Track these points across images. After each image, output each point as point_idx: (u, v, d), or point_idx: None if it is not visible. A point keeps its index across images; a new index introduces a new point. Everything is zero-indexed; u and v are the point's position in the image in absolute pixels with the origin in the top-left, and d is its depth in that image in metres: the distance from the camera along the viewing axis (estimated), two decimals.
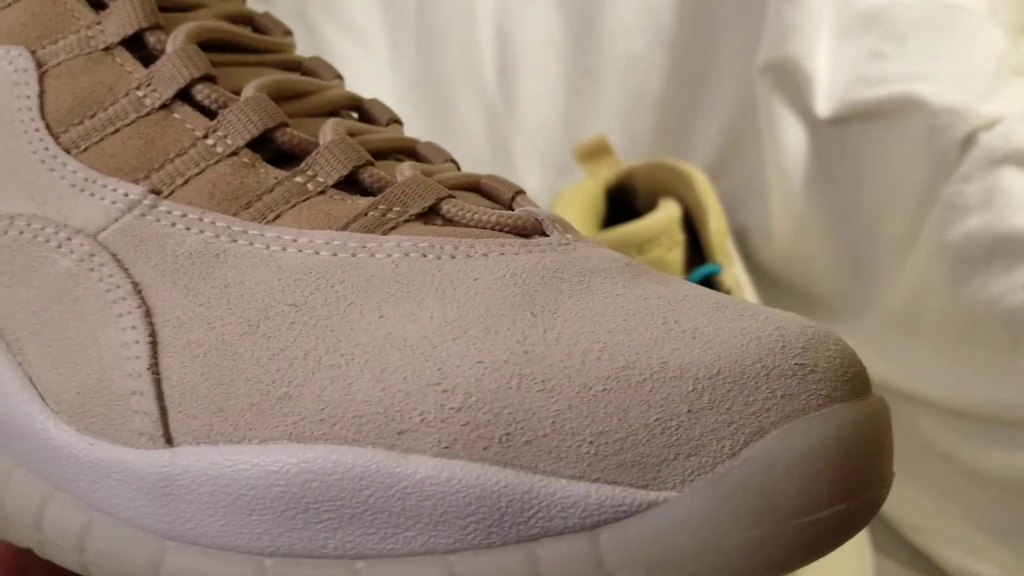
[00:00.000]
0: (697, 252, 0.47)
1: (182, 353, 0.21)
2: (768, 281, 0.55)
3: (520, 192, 0.24)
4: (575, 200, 0.51)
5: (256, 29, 0.29)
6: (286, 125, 0.24)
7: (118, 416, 0.22)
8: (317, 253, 0.22)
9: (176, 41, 0.25)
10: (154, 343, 0.22)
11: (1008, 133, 0.44)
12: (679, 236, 0.46)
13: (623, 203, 0.52)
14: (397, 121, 0.28)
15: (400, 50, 0.56)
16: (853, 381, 0.19)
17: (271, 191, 0.23)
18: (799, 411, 0.18)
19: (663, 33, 0.55)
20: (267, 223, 0.23)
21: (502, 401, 0.18)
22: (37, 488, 0.22)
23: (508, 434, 0.18)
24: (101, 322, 0.22)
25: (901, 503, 0.49)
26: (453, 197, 0.23)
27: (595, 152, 0.53)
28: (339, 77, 0.29)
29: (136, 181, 0.24)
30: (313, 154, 0.23)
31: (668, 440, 0.18)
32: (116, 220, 0.23)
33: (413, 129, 0.55)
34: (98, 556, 0.21)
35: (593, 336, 0.19)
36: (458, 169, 0.27)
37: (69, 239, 0.23)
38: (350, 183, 0.23)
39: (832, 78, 0.50)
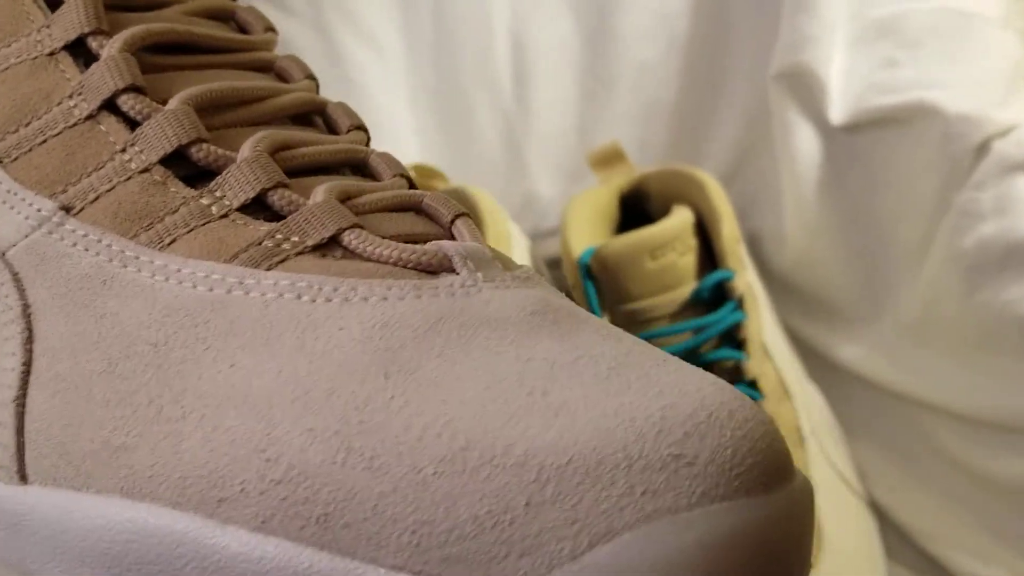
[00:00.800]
0: (710, 258, 0.47)
1: (47, 387, 0.21)
2: (780, 287, 0.55)
3: (461, 215, 0.23)
4: (588, 206, 0.51)
5: (238, 24, 0.27)
6: (204, 141, 0.23)
7: None
8: (195, 287, 0.20)
9: (112, 48, 0.23)
10: (27, 372, 0.21)
11: (1022, 140, 0.44)
12: (692, 242, 0.46)
13: (637, 209, 0.53)
14: (361, 128, 0.27)
15: (416, 56, 0.56)
16: (747, 475, 0.16)
17: (174, 212, 0.22)
18: (661, 511, 0.15)
19: (677, 40, 0.55)
20: (160, 248, 0.21)
21: (324, 477, 0.17)
22: None
23: (326, 514, 0.16)
24: None
25: (912, 509, 0.49)
26: (359, 228, 0.21)
27: (608, 159, 0.53)
28: (311, 78, 0.27)
29: (52, 196, 0.22)
30: (224, 173, 0.22)
31: (499, 536, 0.15)
32: (25, 237, 0.22)
33: (429, 135, 0.56)
34: None
35: (443, 407, 0.17)
36: (410, 185, 0.25)
37: None
38: (259, 206, 0.22)
39: (846, 85, 0.50)
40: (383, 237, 0.22)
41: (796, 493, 0.17)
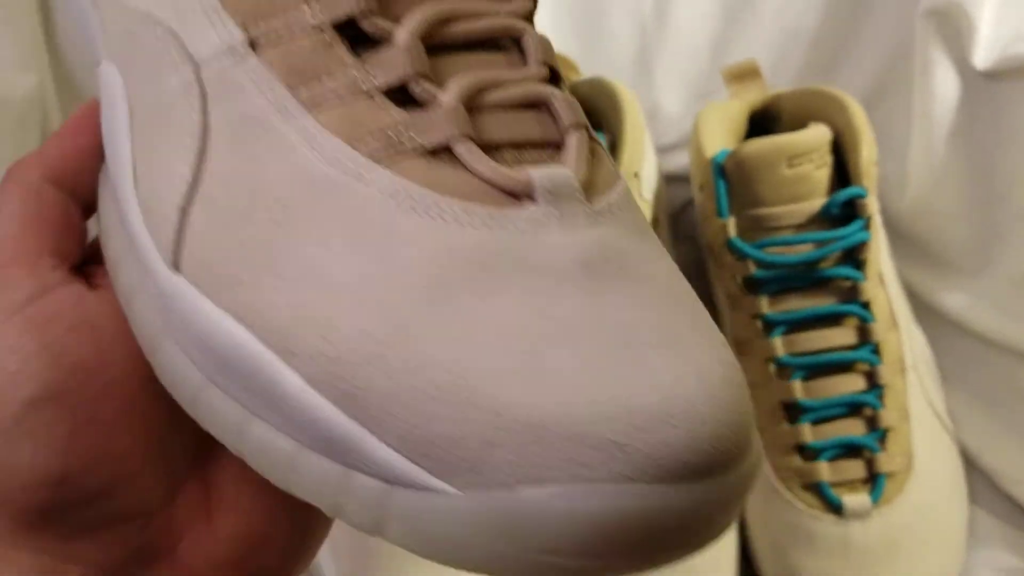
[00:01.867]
0: (841, 181, 0.47)
1: (204, 205, 0.23)
2: (893, 229, 0.55)
3: (580, 126, 0.23)
4: (718, 116, 0.52)
5: None
6: (373, 13, 0.23)
7: (157, 230, 0.24)
8: (324, 163, 0.22)
9: None
10: (194, 186, 0.23)
11: None
12: (828, 158, 0.47)
13: (763, 130, 0.53)
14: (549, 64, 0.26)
15: None
16: (676, 466, 0.19)
17: (331, 77, 0.23)
18: (586, 479, 0.18)
19: None
20: (310, 111, 0.23)
21: (358, 369, 0.20)
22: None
23: (354, 393, 0.20)
24: (173, 149, 0.24)
25: (1000, 455, 0.49)
26: (469, 140, 0.22)
27: (744, 75, 0.53)
28: None
29: (244, 27, 0.24)
30: (379, 51, 0.23)
31: (463, 455, 0.19)
32: (216, 60, 0.24)
33: (562, 33, 0.56)
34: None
35: (456, 344, 0.20)
36: (551, 77, 0.25)
37: (183, 63, 0.24)
38: (401, 91, 0.23)
39: (995, 31, 0.50)
40: (495, 143, 0.23)
41: (720, 488, 0.19)
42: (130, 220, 0.25)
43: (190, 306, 0.23)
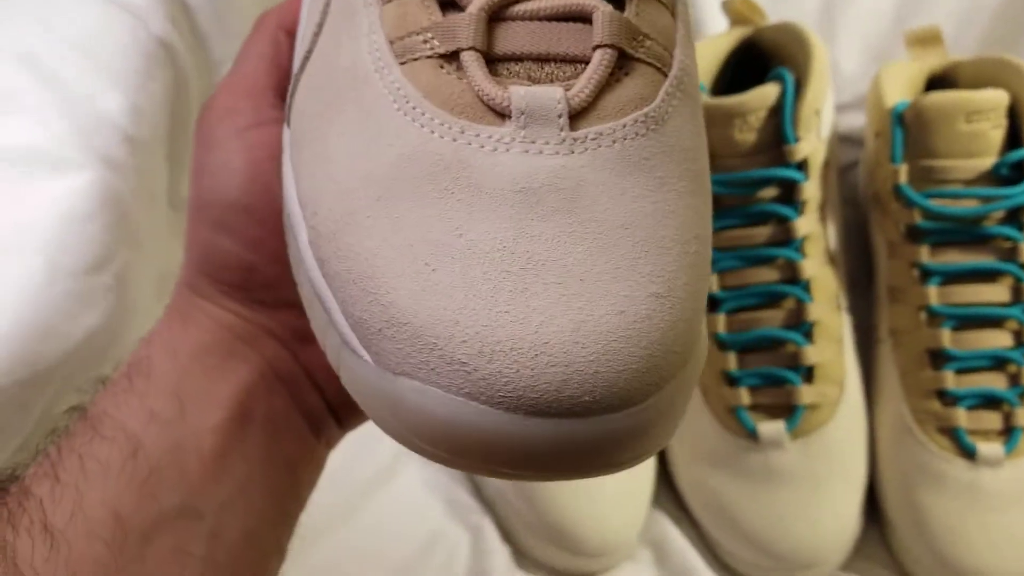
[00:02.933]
0: (1014, 145, 0.49)
1: (304, 80, 0.27)
2: None
3: (609, 47, 0.23)
4: (897, 75, 0.53)
5: None
6: None
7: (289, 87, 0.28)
8: (368, 51, 0.24)
9: None
10: (307, 59, 0.27)
11: None
12: (1004, 120, 0.48)
13: None
14: None
15: None
16: (511, 398, 0.20)
17: (416, 34, 0.24)
18: (439, 386, 0.20)
19: None
20: (383, 4, 0.24)
21: (332, 244, 0.23)
22: None
23: (321, 260, 0.23)
24: (308, 22, 0.28)
25: None
26: (476, 51, 0.23)
27: (926, 40, 0.55)
28: None
29: None
30: None
31: (369, 336, 0.22)
32: None
33: None
34: None
35: (381, 244, 0.22)
36: None
37: None
38: None
39: None
40: (514, 55, 0.23)
41: (565, 429, 0.20)
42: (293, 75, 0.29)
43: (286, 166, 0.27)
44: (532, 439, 0.20)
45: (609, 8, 0.23)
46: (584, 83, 0.23)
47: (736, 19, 0.54)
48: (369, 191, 0.22)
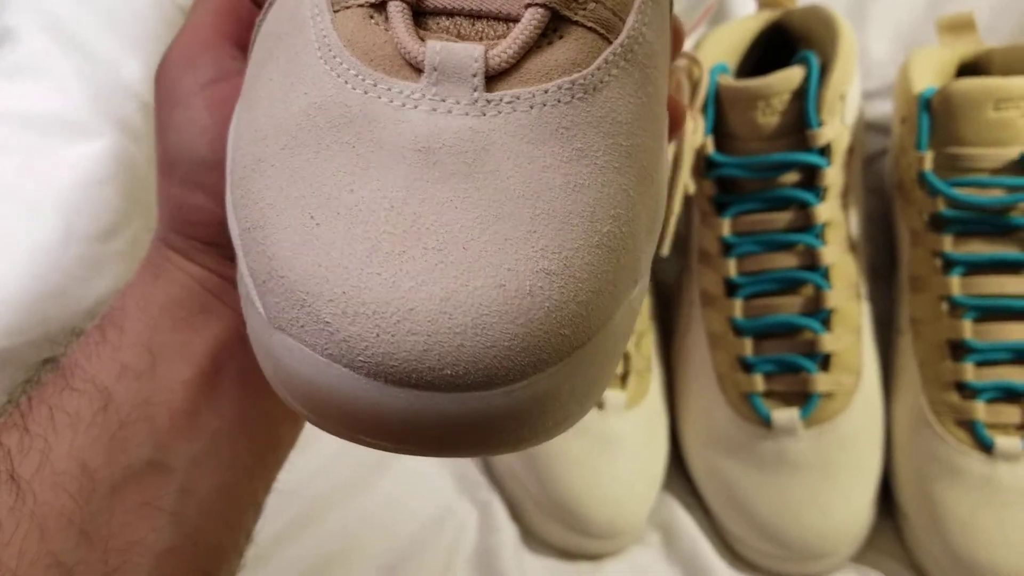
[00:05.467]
0: None
1: (264, 24, 0.26)
2: None
3: (535, 6, 0.22)
4: (927, 61, 0.52)
5: None
6: None
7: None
8: (308, 2, 0.24)
9: None
10: (267, 9, 0.26)
11: None
12: None
13: None
14: None
15: None
16: (368, 363, 0.19)
17: None
18: (306, 344, 0.20)
19: None
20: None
21: (234, 187, 0.23)
22: None
23: (233, 204, 0.23)
24: None
25: None
26: (402, 1, 0.22)
27: (959, 27, 0.54)
28: None
29: None
30: None
31: (257, 286, 0.21)
32: None
33: None
34: None
35: (272, 190, 0.21)
36: None
37: None
38: None
39: None
40: (446, 9, 0.22)
41: (427, 401, 0.19)
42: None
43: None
44: (389, 408, 0.19)
45: None
46: (508, 43, 0.22)
47: (764, 2, 0.54)
48: (279, 139, 0.22)
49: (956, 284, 0.47)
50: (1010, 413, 0.46)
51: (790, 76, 0.46)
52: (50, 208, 0.41)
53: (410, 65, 0.22)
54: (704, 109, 0.48)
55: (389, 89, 0.21)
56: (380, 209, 0.20)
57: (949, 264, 0.48)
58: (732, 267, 0.49)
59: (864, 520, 0.48)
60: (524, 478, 0.48)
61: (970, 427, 0.47)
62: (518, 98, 0.21)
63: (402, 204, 0.20)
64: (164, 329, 0.29)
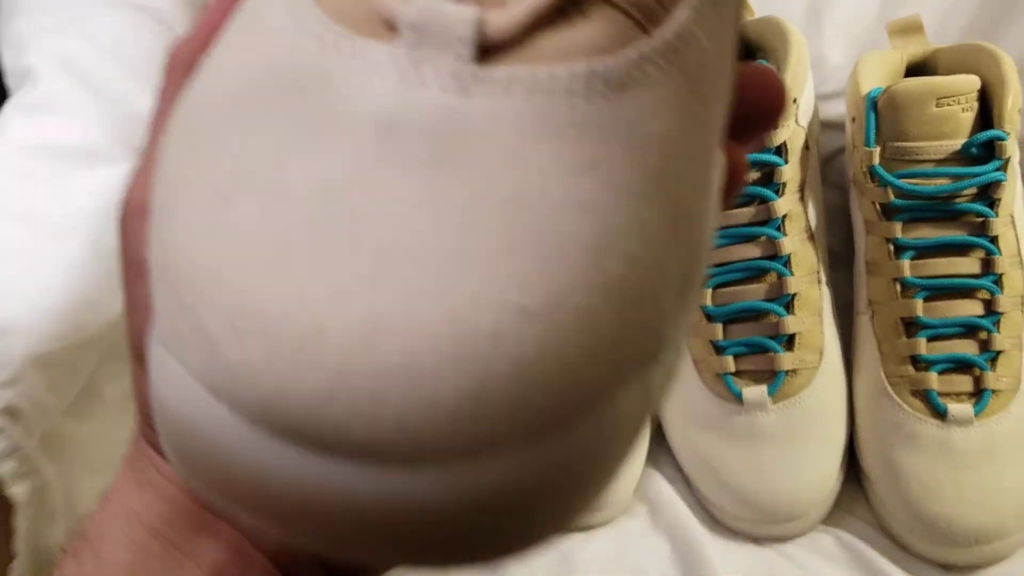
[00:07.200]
0: (986, 128, 0.52)
1: None
2: None
3: None
4: (877, 63, 0.57)
5: None
6: None
7: None
8: None
9: None
10: None
11: None
12: (975, 104, 0.51)
13: None
14: None
15: None
16: (256, 409, 0.14)
17: None
18: (187, 364, 0.15)
19: None
20: None
21: (162, 158, 0.19)
22: None
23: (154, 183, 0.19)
24: None
25: None
26: None
27: (908, 29, 0.58)
28: None
29: None
30: None
31: (154, 286, 0.17)
32: None
33: None
34: None
35: (205, 158, 0.17)
36: None
37: None
38: None
39: None
40: None
41: (341, 471, 0.14)
42: None
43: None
44: (271, 474, 0.14)
45: None
46: (513, 8, 0.17)
47: None
48: (218, 106, 0.17)
49: (907, 267, 0.52)
50: (961, 382, 0.51)
51: None
52: (79, 228, 0.45)
53: (387, 25, 0.17)
54: None
55: (353, 49, 0.17)
56: (310, 194, 0.15)
57: (900, 249, 0.52)
58: None
59: (831, 485, 0.52)
60: None
61: (925, 396, 0.51)
62: (516, 78, 0.16)
63: (341, 191, 0.15)
64: (151, 555, 0.23)
